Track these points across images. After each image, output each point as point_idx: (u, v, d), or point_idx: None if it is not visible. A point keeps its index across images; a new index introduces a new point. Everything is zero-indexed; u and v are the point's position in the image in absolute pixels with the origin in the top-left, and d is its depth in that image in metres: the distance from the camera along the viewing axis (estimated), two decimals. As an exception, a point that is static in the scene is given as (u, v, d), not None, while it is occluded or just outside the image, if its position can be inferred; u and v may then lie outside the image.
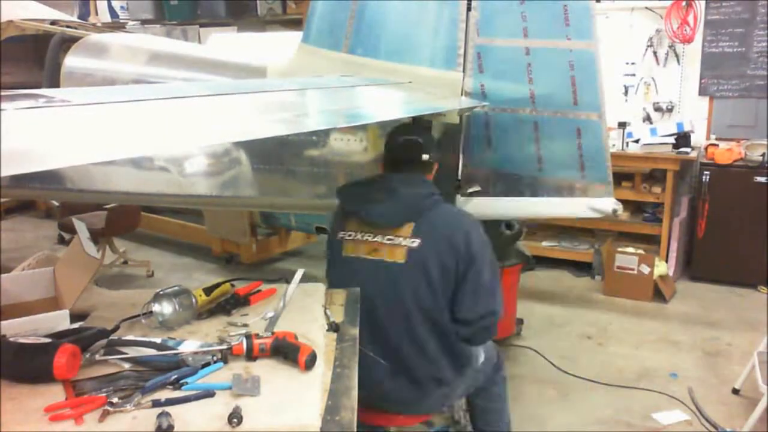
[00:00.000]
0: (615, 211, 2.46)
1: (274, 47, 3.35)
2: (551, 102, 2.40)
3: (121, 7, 6.95)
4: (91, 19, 7.00)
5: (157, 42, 3.73)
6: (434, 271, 2.10)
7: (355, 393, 1.53)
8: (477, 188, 2.58)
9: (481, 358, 2.40)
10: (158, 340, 1.68)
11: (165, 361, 1.58)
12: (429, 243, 2.12)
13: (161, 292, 1.85)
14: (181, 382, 1.48)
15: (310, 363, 1.55)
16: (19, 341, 1.58)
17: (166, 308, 1.82)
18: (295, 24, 5.78)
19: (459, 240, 2.12)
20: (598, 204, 2.47)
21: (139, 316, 1.84)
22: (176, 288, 1.89)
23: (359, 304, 2.03)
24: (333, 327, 1.85)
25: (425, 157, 2.24)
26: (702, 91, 5.18)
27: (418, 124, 2.41)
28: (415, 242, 2.11)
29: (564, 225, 5.35)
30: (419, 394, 2.20)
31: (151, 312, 1.82)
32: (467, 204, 2.60)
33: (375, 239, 2.16)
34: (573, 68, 2.34)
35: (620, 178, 5.10)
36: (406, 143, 2.27)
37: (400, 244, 2.12)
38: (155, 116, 1.55)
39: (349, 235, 2.21)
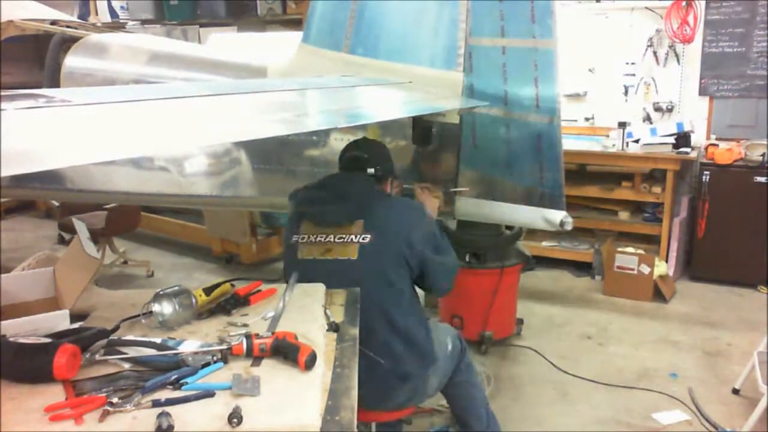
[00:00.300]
0: (563, 224, 2.41)
1: (274, 47, 3.35)
2: (519, 104, 2.37)
3: (121, 7, 6.95)
4: (91, 19, 7.00)
5: (157, 42, 3.73)
6: (389, 264, 2.16)
7: (355, 393, 1.53)
8: (465, 188, 2.58)
9: (450, 347, 2.44)
10: (158, 340, 1.68)
11: (165, 361, 1.58)
12: (380, 237, 2.17)
13: (161, 292, 1.85)
14: (181, 382, 1.48)
15: (310, 363, 1.55)
16: (19, 341, 1.57)
17: (166, 308, 1.82)
18: (295, 24, 5.78)
19: (406, 232, 2.17)
20: (549, 215, 2.43)
21: (139, 316, 1.84)
22: (176, 288, 1.88)
23: (359, 304, 2.03)
24: (333, 327, 1.85)
25: (370, 170, 2.30)
26: (702, 91, 5.18)
27: (369, 140, 2.46)
28: (366, 238, 2.17)
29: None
30: (385, 390, 2.22)
31: (151, 312, 1.82)
32: (456, 203, 2.61)
33: (327, 239, 2.21)
34: (536, 68, 2.30)
35: (620, 178, 5.11)
36: (352, 158, 2.34)
37: (351, 241, 2.18)
38: (155, 116, 1.55)
39: (303, 238, 2.26)
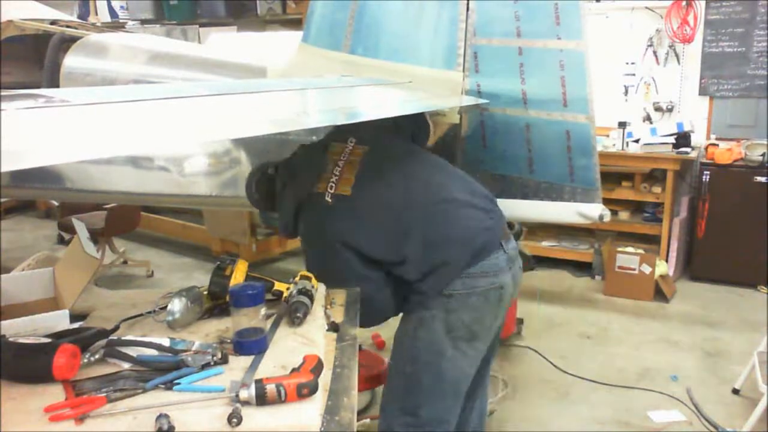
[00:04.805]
0: (602, 217, 2.41)
1: (274, 47, 3.35)
2: (542, 103, 2.38)
3: (121, 7, 6.95)
4: (91, 19, 7.00)
5: (157, 42, 3.73)
6: None
7: (355, 393, 1.53)
8: None
9: None
10: (166, 341, 1.68)
11: (165, 361, 1.58)
12: None
13: (179, 291, 1.86)
14: (175, 383, 1.48)
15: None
16: (19, 341, 1.57)
17: (178, 308, 1.81)
18: (295, 24, 5.79)
19: None
20: (586, 209, 2.43)
21: (145, 313, 1.85)
22: (191, 289, 1.89)
23: (359, 304, 2.03)
24: (333, 327, 1.85)
25: None
26: (702, 91, 5.19)
27: None
28: None
29: (564, 225, 5.36)
30: None
31: (163, 308, 1.82)
32: None
33: None
34: (563, 68, 2.31)
35: (620, 178, 5.12)
36: None
37: None
38: (155, 116, 1.55)
39: None
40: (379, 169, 2.14)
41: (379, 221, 2.07)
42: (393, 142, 2.28)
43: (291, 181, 2.25)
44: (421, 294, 2.07)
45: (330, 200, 2.09)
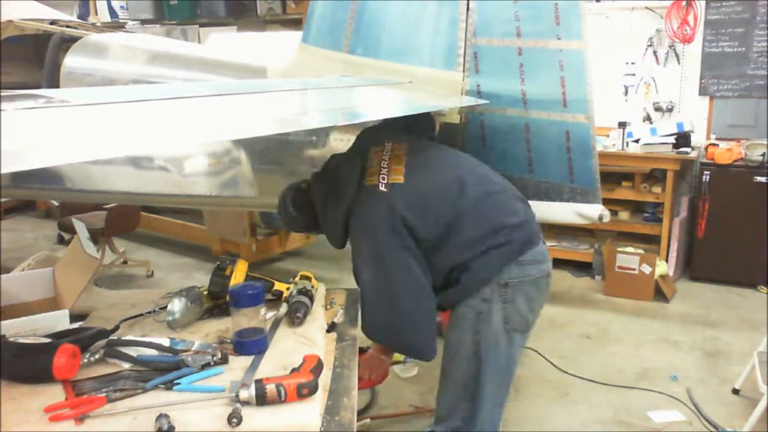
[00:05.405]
0: (601, 217, 2.41)
1: (274, 47, 3.35)
2: (542, 103, 2.38)
3: (121, 7, 6.96)
4: (91, 19, 7.00)
5: (157, 42, 3.73)
6: None
7: (355, 393, 1.53)
8: None
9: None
10: (166, 341, 1.68)
11: (165, 362, 1.58)
12: None
13: (179, 291, 1.86)
14: (175, 383, 1.48)
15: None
16: (19, 341, 1.57)
17: (178, 308, 1.81)
18: (295, 24, 5.80)
19: None
20: (585, 209, 2.43)
21: (145, 313, 1.85)
22: (191, 289, 1.89)
23: (359, 304, 2.03)
24: (330, 327, 1.85)
25: None
26: (702, 91, 5.18)
27: None
28: None
29: (564, 225, 5.35)
30: None
31: (163, 308, 1.82)
32: None
33: None
34: (563, 68, 2.31)
35: (620, 178, 5.11)
36: None
37: None
38: (155, 116, 1.55)
39: None
40: (427, 160, 2.15)
41: (434, 204, 2.05)
42: (422, 141, 2.30)
43: (332, 188, 2.16)
44: (474, 283, 2.05)
45: (384, 189, 2.03)
